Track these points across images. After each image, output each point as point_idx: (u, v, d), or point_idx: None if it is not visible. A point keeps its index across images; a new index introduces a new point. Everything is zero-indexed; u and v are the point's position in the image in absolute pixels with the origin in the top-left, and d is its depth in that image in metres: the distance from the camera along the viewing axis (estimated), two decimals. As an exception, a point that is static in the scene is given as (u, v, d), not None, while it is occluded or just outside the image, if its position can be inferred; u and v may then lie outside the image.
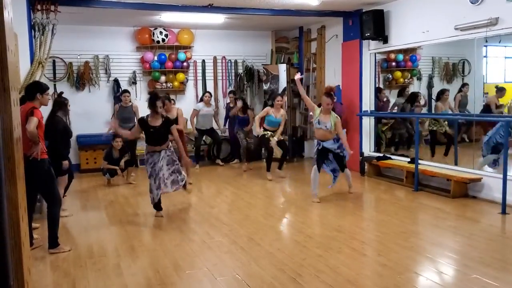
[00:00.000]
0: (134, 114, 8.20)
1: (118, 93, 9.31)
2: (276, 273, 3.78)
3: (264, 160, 8.24)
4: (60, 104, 5.54)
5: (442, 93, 7.80)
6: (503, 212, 5.45)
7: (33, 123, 4.16)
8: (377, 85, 8.41)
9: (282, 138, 7.88)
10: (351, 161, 7.94)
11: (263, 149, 9.16)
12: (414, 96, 8.30)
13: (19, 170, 1.73)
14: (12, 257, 1.62)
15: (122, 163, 7.71)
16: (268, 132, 7.77)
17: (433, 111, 8.16)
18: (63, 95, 5.77)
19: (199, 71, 10.11)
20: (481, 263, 3.91)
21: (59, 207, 4.62)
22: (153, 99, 5.53)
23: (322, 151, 6.19)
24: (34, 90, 4.43)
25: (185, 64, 9.75)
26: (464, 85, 7.78)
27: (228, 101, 9.87)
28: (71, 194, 6.86)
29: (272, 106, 7.86)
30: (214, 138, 9.39)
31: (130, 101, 8.37)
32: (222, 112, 10.04)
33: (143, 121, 5.60)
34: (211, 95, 9.25)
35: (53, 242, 4.45)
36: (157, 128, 5.50)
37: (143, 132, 5.65)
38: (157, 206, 5.65)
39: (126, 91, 8.54)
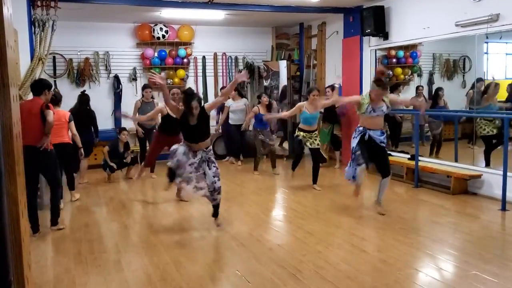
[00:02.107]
0: None
1: (118, 90, 9.31)
2: (276, 269, 3.79)
3: (292, 162, 7.23)
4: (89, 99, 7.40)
5: (489, 87, 6.98)
6: (503, 208, 5.46)
7: (52, 115, 4.60)
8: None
9: (318, 146, 6.87)
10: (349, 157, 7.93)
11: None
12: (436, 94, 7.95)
13: (18, 166, 1.73)
14: (12, 252, 1.62)
15: (128, 158, 7.73)
16: (301, 133, 6.76)
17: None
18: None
19: (200, 67, 10.10)
20: (480, 260, 3.92)
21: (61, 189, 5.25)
22: (189, 98, 4.73)
23: (365, 142, 5.29)
24: (43, 86, 4.86)
25: (185, 60, 9.73)
26: (478, 80, 7.09)
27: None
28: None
29: (306, 99, 6.95)
30: (242, 135, 8.93)
31: (152, 97, 8.24)
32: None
33: (184, 115, 4.81)
34: (237, 90, 8.85)
35: (56, 220, 4.98)
36: (195, 126, 4.80)
37: (181, 127, 4.93)
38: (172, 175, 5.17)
39: (148, 86, 8.17)
